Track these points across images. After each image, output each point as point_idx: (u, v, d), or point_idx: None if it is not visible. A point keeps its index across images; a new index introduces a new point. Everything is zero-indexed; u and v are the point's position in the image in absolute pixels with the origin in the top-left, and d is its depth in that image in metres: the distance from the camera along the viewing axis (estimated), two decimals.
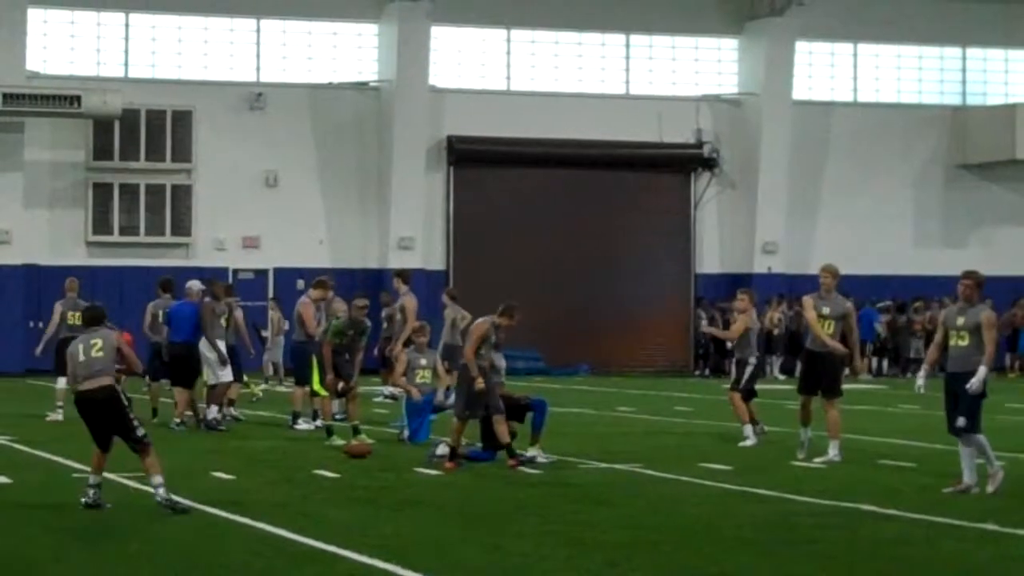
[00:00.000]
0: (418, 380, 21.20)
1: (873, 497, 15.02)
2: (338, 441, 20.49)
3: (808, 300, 19.27)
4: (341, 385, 20.76)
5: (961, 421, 15.52)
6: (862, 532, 13.21)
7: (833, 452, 18.67)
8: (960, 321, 15.66)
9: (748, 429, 20.96)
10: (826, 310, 18.75)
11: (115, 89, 40.38)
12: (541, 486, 16.44)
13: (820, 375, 18.86)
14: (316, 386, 21.55)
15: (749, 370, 21.37)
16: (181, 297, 24.80)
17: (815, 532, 13.18)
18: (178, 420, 23.20)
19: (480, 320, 18.79)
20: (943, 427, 22.38)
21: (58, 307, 25.28)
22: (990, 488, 15.50)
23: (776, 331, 42.74)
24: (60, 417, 24.33)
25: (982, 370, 15.48)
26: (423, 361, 21.37)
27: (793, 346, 43.22)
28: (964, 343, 15.62)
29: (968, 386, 15.44)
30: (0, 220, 40.22)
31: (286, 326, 32.38)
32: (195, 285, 24.26)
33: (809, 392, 19.05)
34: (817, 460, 18.59)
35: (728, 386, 21.83)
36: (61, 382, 24.64)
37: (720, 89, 46.10)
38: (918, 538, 12.97)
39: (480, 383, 17.87)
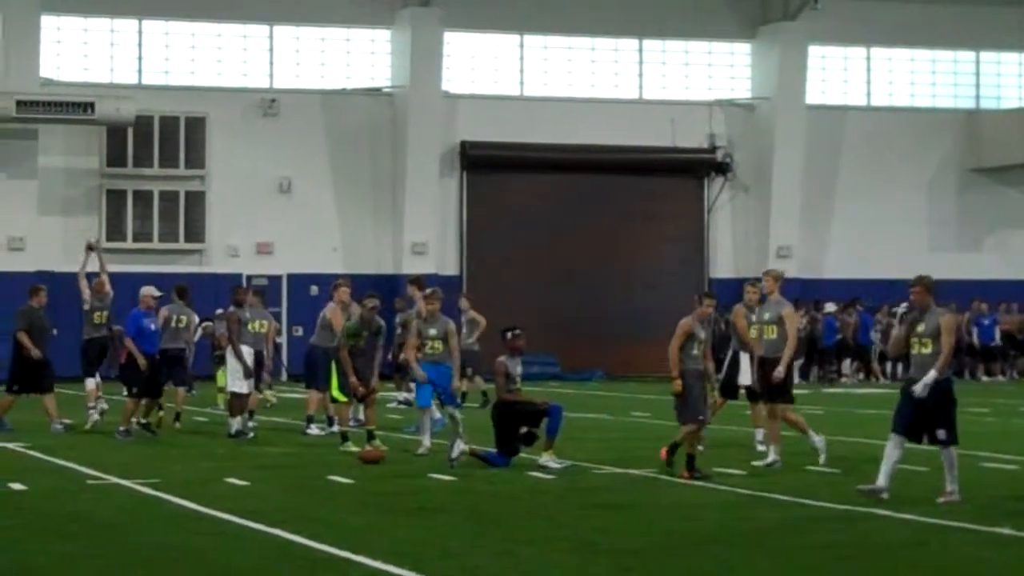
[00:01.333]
0: (427, 350, 20.66)
1: (887, 501, 14.98)
2: (352, 447, 20.47)
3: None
4: (361, 389, 20.67)
5: (942, 434, 15.18)
6: (877, 536, 13.18)
7: (773, 456, 18.43)
8: (920, 328, 15.40)
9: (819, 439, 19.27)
10: (767, 315, 18.62)
11: (128, 96, 40.46)
12: (554, 491, 16.43)
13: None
14: (335, 392, 21.47)
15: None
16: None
17: (829, 537, 13.15)
18: (123, 428, 23.00)
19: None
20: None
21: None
22: (941, 500, 15.05)
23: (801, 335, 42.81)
24: (97, 416, 24.26)
25: (931, 374, 15.14)
26: (432, 331, 20.58)
27: (809, 351, 43.37)
28: (927, 350, 15.33)
29: (913, 390, 15.16)
30: (14, 227, 40.32)
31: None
32: (151, 291, 23.39)
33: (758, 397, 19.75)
34: (757, 463, 18.47)
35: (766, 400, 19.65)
36: (90, 382, 24.64)
37: (733, 94, 46.08)
38: (933, 542, 12.94)
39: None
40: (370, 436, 20.44)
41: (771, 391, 18.81)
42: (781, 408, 18.83)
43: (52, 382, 24.25)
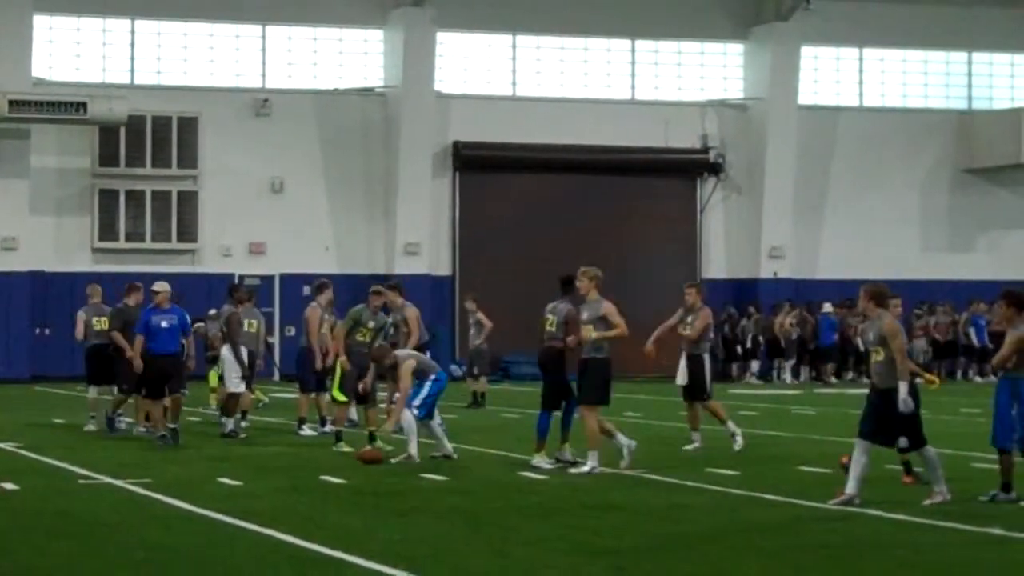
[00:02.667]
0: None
1: (879, 502, 14.99)
2: (345, 448, 20.47)
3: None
4: (361, 386, 20.66)
5: (903, 442, 15.16)
6: (869, 537, 13.20)
7: (593, 462, 18.17)
8: (869, 336, 15.50)
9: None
10: (584, 315, 18.77)
11: (121, 96, 40.40)
12: (547, 492, 16.44)
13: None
14: (335, 392, 21.42)
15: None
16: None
17: (822, 537, 13.17)
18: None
19: None
20: (949, 431, 22.36)
21: (81, 315, 24.85)
22: (927, 502, 15.01)
23: (792, 336, 42.84)
24: (93, 427, 24.02)
25: (902, 387, 15.08)
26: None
27: (801, 351, 43.42)
28: (880, 357, 15.30)
29: (900, 409, 15.13)
30: (6, 227, 40.24)
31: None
32: (163, 287, 22.19)
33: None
34: (572, 470, 18.18)
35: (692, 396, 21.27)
36: (93, 391, 24.47)
37: (726, 94, 46.09)
38: (925, 542, 12.97)
39: None
40: (371, 437, 20.41)
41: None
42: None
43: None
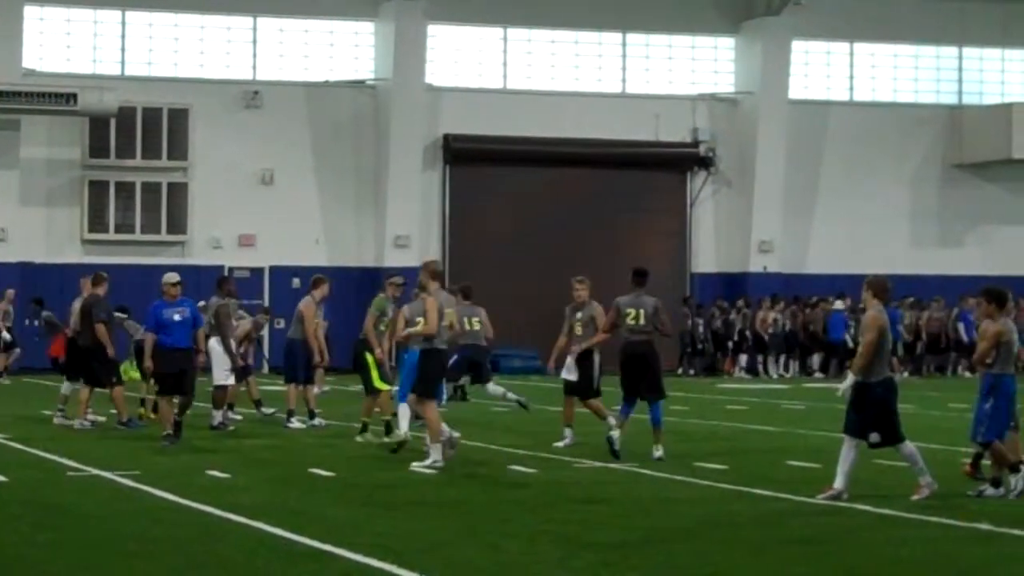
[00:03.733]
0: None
1: (868, 497, 15.02)
2: (371, 438, 20.56)
3: (404, 310, 19.70)
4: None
5: (874, 437, 15.13)
6: (857, 532, 13.22)
7: (434, 456, 17.96)
8: (856, 331, 15.63)
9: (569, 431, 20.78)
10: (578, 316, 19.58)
11: (111, 87, 40.36)
12: (537, 485, 16.46)
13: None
14: (377, 382, 21.37)
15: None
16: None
17: (810, 532, 13.20)
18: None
19: None
20: (939, 426, 22.40)
21: (77, 304, 24.35)
22: (915, 497, 15.00)
23: (771, 330, 42.88)
24: (62, 420, 23.88)
25: (849, 378, 15.20)
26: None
27: (790, 345, 43.45)
28: (862, 351, 15.36)
29: (838, 395, 15.34)
30: None
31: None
32: (173, 279, 21.51)
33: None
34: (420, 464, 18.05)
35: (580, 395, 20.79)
36: (80, 389, 23.99)
37: (716, 88, 46.12)
38: (913, 538, 12.99)
39: None
40: (388, 428, 20.69)
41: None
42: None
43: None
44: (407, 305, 19.01)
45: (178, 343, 20.76)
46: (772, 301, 43.40)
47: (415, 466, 17.59)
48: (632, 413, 19.07)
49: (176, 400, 20.98)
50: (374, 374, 21.34)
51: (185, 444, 20.59)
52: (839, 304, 42.88)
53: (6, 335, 36.56)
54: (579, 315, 20.48)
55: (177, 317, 20.75)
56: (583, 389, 20.50)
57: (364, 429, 21.19)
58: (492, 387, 25.17)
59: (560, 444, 20.40)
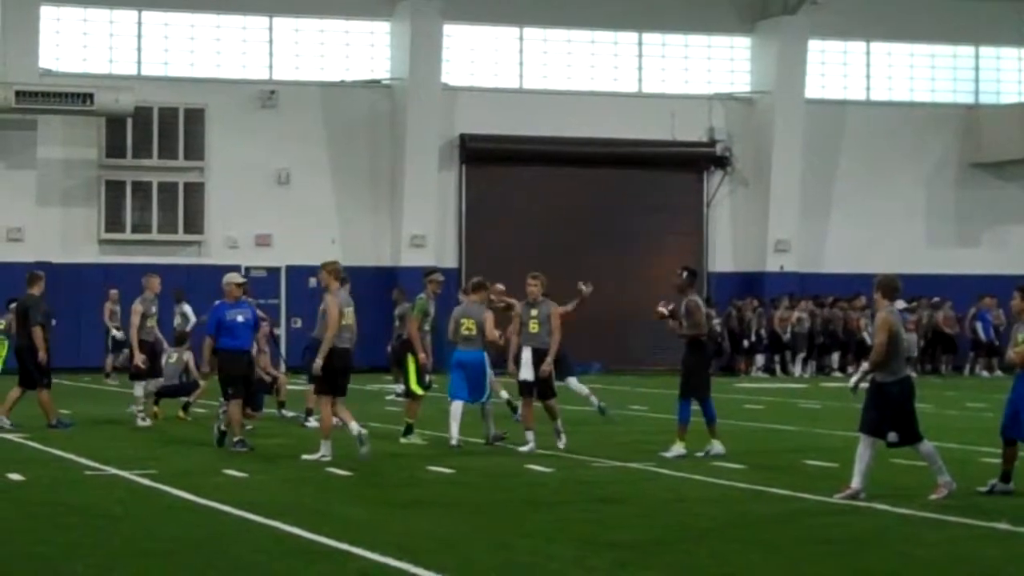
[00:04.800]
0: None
1: (886, 497, 14.98)
2: (415, 439, 20.56)
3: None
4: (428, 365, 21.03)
5: (892, 437, 15.09)
6: (874, 531, 13.19)
7: (324, 450, 18.53)
8: (871, 328, 15.61)
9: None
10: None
11: (128, 87, 40.43)
12: (552, 484, 16.45)
13: None
14: (413, 385, 21.30)
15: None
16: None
17: (827, 531, 13.17)
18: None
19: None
20: (955, 426, 22.37)
21: (138, 306, 24.28)
22: (933, 497, 14.95)
23: (796, 329, 42.84)
24: (142, 422, 23.60)
25: (859, 372, 15.31)
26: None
27: (810, 344, 43.39)
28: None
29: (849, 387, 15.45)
30: (13, 218, 40.28)
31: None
32: (235, 279, 20.99)
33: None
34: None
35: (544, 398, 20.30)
36: (137, 388, 23.94)
37: (733, 87, 46.07)
38: (931, 537, 12.95)
39: None
40: (408, 429, 20.85)
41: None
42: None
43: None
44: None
45: (243, 345, 20.37)
46: (791, 300, 43.36)
47: (305, 457, 18.48)
48: (690, 415, 19.07)
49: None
50: (412, 378, 21.28)
51: (202, 443, 20.60)
52: (987, 300, 42.80)
53: (118, 333, 35.87)
54: (533, 312, 20.17)
55: (240, 319, 20.30)
56: (542, 390, 19.96)
57: (408, 431, 21.12)
58: (574, 383, 25.11)
59: (524, 449, 19.57)
